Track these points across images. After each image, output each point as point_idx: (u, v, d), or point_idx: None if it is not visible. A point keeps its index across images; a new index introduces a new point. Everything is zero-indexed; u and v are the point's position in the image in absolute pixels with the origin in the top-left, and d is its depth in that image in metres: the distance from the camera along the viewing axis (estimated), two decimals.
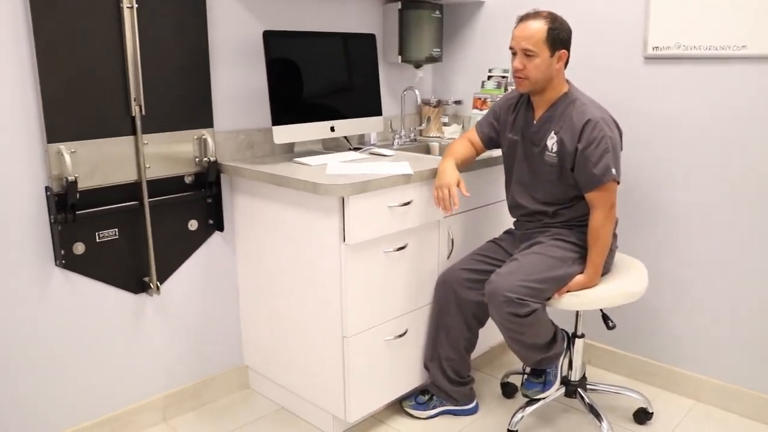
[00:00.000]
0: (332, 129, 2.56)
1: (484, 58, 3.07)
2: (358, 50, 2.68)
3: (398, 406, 2.51)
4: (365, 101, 2.70)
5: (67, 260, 2.12)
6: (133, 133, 2.20)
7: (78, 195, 2.06)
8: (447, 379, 2.42)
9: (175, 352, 2.46)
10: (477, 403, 2.51)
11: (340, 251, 2.10)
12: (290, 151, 2.65)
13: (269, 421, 2.46)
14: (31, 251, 2.07)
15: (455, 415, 2.47)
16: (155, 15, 2.19)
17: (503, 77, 2.95)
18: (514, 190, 2.32)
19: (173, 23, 2.24)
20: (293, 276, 2.31)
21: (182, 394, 2.49)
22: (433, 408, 2.46)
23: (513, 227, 2.43)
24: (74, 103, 2.05)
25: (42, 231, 2.08)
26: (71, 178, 2.02)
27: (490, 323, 2.33)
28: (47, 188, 2.06)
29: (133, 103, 2.18)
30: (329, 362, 2.25)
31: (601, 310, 2.30)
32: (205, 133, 2.36)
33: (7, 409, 2.10)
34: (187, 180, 2.36)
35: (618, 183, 2.10)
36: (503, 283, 2.06)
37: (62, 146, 2.04)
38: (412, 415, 2.47)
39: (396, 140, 2.99)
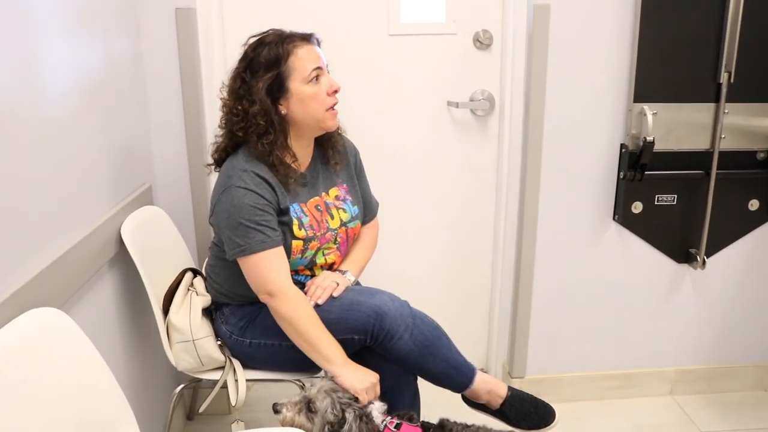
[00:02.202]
0: None
1: None
2: None
3: None
4: None
5: (624, 217, 2.19)
6: (716, 101, 2.11)
7: (651, 156, 2.08)
8: None
9: (699, 330, 2.37)
10: None
11: None
12: None
13: None
14: (594, 202, 2.20)
15: None
16: None
17: None
18: None
19: None
20: None
21: (695, 373, 2.40)
22: None
23: None
24: (665, 65, 2.07)
25: (607, 186, 2.19)
26: (649, 138, 2.05)
27: None
28: (623, 145, 2.14)
29: (722, 70, 2.08)
30: None
31: None
32: None
33: (546, 340, 2.32)
34: (759, 156, 2.19)
35: None
36: None
37: (646, 107, 2.08)
38: None
39: None
